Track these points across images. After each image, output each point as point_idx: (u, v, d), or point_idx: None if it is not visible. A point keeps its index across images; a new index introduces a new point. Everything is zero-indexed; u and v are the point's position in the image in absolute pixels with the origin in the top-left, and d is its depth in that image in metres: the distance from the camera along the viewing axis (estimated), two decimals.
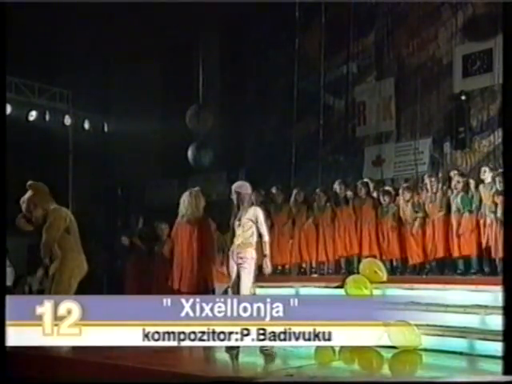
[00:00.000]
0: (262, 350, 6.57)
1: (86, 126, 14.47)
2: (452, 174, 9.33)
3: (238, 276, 6.93)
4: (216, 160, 13.11)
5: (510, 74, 5.61)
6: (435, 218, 9.03)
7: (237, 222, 6.98)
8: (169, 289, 9.04)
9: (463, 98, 11.07)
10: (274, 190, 10.34)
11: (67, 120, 14.15)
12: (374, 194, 9.79)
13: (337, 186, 10.00)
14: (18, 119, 13.13)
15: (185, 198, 8.35)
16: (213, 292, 8.06)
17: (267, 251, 7.03)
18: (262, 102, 13.34)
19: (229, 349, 6.61)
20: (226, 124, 13.72)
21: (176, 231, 8.40)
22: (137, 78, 14.07)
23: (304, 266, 10.17)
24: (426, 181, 9.39)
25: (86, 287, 7.86)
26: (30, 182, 7.90)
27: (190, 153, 12.99)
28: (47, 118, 13.93)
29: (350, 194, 9.88)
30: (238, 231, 6.97)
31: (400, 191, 9.48)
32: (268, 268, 7.02)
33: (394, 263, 9.41)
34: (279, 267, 10.08)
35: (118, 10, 12.22)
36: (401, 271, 9.31)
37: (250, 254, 6.95)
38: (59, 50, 13.92)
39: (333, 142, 12.60)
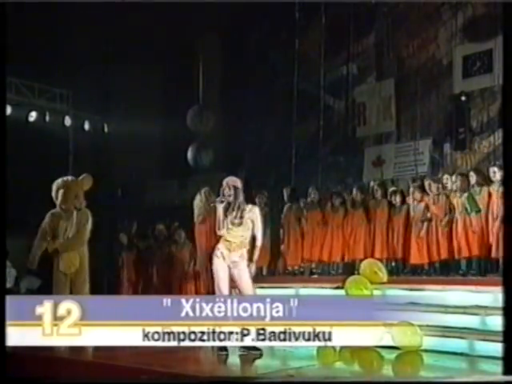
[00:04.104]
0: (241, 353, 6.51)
1: (86, 126, 14.46)
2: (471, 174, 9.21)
3: (232, 278, 6.76)
4: (216, 160, 13.12)
5: (509, 75, 5.61)
6: (448, 218, 8.97)
7: (237, 221, 6.72)
8: (173, 290, 9.08)
9: (463, 98, 11.07)
10: (285, 192, 10.29)
11: (67, 121, 14.13)
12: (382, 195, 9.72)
13: (353, 190, 9.94)
14: (18, 120, 13.11)
15: (196, 199, 8.42)
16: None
17: (256, 256, 6.83)
18: (262, 102, 13.34)
19: (220, 350, 6.59)
20: (226, 124, 13.72)
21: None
22: (137, 78, 14.06)
23: (306, 266, 10.18)
24: (438, 181, 9.31)
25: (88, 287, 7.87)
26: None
27: (190, 153, 13.01)
28: (47, 118, 13.91)
29: (361, 195, 9.83)
30: (238, 230, 6.74)
31: (411, 191, 9.39)
32: (252, 274, 6.84)
33: (400, 264, 9.39)
34: (289, 268, 10.10)
35: (118, 11, 12.23)
36: (406, 272, 9.28)
37: (244, 255, 6.77)
38: (59, 51, 13.90)
39: (333, 142, 12.60)
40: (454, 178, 8.93)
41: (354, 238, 9.60)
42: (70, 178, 7.95)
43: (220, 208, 6.78)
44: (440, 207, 8.95)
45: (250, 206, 6.88)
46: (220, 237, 6.82)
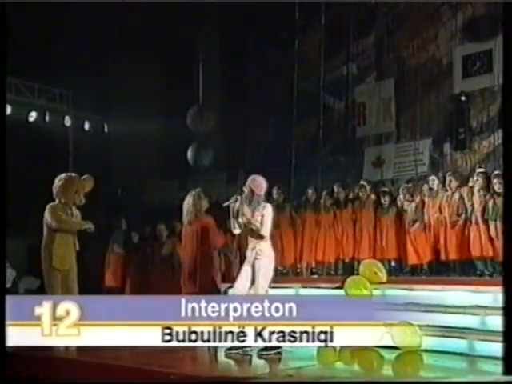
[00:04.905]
0: (261, 355, 6.52)
1: (86, 126, 14.48)
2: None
3: (253, 275, 6.72)
4: (216, 160, 13.12)
5: (509, 75, 5.60)
6: (442, 219, 8.97)
7: (244, 219, 6.71)
8: (173, 290, 9.06)
9: (463, 98, 11.08)
10: (274, 191, 10.31)
11: (67, 121, 14.15)
12: (373, 196, 9.77)
13: (335, 188, 9.99)
14: (17, 120, 13.12)
15: (186, 200, 8.40)
16: (218, 293, 8.04)
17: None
18: (262, 102, 13.35)
19: (230, 350, 6.58)
20: (226, 124, 13.73)
21: (180, 233, 8.46)
22: (137, 78, 14.07)
23: (305, 266, 10.19)
24: (437, 181, 9.31)
25: (85, 287, 7.86)
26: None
27: (190, 153, 13.01)
28: (47, 118, 13.94)
29: (351, 195, 9.89)
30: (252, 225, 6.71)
31: (401, 191, 9.44)
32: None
33: (396, 264, 9.41)
34: (284, 268, 10.11)
35: (118, 10, 12.23)
36: (402, 272, 9.31)
37: (268, 250, 6.75)
38: (59, 51, 13.91)
39: (333, 142, 12.61)
40: (475, 177, 8.96)
41: (346, 238, 9.68)
42: (73, 174, 7.99)
43: (231, 207, 6.82)
44: (452, 206, 8.96)
45: (264, 203, 6.80)
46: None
